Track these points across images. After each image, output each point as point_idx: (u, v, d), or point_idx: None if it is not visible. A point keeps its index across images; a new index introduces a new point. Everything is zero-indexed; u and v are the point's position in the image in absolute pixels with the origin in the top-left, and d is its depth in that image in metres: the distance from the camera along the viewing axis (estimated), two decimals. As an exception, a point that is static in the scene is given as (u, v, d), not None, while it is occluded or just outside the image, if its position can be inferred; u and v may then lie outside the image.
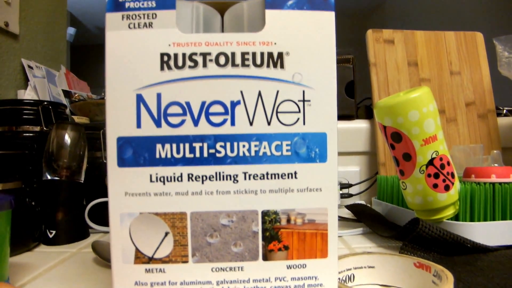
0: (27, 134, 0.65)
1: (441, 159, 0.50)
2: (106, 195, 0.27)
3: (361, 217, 0.65)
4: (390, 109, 0.49)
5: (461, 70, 0.93)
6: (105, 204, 0.27)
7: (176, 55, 0.26)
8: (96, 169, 0.64)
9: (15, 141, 0.64)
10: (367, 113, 0.97)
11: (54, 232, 0.54)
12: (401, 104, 0.49)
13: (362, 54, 0.96)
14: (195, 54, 0.26)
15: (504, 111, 1.01)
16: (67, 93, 0.97)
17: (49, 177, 0.56)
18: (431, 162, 0.49)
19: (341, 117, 0.91)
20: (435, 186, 0.49)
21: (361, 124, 0.91)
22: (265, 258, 0.27)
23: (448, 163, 0.50)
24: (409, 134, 0.49)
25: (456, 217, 0.51)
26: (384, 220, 0.63)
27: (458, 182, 0.51)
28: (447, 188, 0.49)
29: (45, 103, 0.67)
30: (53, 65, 1.03)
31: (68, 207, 0.56)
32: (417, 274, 0.36)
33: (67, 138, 0.59)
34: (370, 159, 0.92)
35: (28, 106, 0.67)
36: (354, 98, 0.91)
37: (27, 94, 0.86)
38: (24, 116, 0.66)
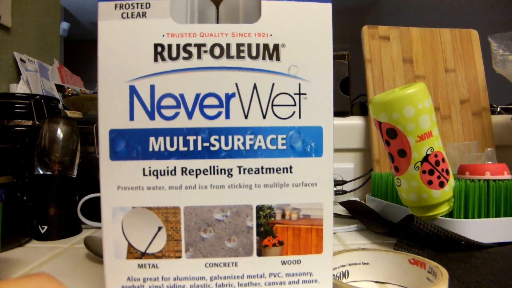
0: (19, 128, 0.64)
1: (436, 155, 0.49)
2: (99, 190, 0.26)
3: (356, 213, 0.65)
4: (386, 105, 0.49)
5: (456, 67, 0.93)
6: (98, 199, 0.26)
7: (170, 46, 0.26)
8: (89, 164, 0.63)
9: (6, 135, 0.64)
10: (362, 110, 0.97)
11: (46, 227, 0.53)
12: (397, 100, 0.49)
13: (357, 50, 0.95)
14: (190, 45, 0.26)
15: (498, 109, 1.01)
16: (60, 88, 0.96)
17: (41, 172, 0.55)
18: (426, 159, 0.49)
19: (336, 113, 0.90)
20: (430, 182, 0.49)
21: (356, 121, 0.91)
22: (260, 253, 0.26)
23: (443, 160, 0.50)
24: (404, 130, 0.49)
25: (450, 214, 0.51)
26: (378, 217, 0.63)
27: (453, 179, 0.51)
28: (441, 184, 0.49)
29: (38, 97, 0.66)
30: (46, 59, 1.02)
31: (60, 202, 0.55)
32: (412, 270, 0.36)
33: (60, 133, 0.58)
34: (364, 156, 0.92)
35: (20, 100, 0.66)
36: (349, 94, 0.91)
37: (19, 88, 0.85)
38: (16, 110, 0.65)
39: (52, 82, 0.95)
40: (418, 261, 0.35)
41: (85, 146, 0.64)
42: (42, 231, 0.53)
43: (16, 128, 0.64)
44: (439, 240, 0.45)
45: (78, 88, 1.01)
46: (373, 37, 0.92)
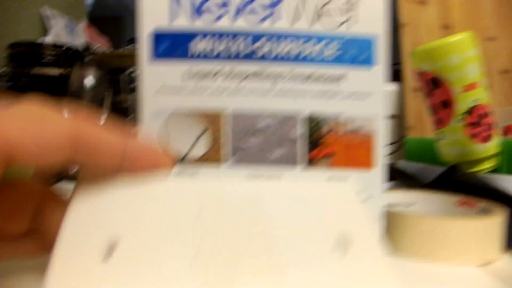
0: (48, 76, 0.63)
1: (481, 108, 0.47)
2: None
3: (391, 173, 0.62)
4: (430, 53, 0.47)
5: (497, 35, 0.88)
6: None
7: None
8: (117, 112, 0.62)
9: (35, 84, 0.63)
10: (395, 77, 0.94)
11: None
12: (442, 48, 0.46)
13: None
14: None
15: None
16: (87, 48, 0.95)
17: (69, 117, 0.55)
18: (470, 111, 0.46)
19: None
20: (474, 136, 0.46)
21: (388, 86, 0.88)
22: (306, 166, 0.24)
23: (489, 113, 0.47)
24: (448, 79, 0.46)
25: (495, 171, 0.48)
26: (415, 178, 0.60)
27: (499, 134, 0.48)
28: (486, 139, 0.46)
29: (66, 46, 0.66)
30: (74, 17, 1.01)
31: (89, 147, 0.54)
32: (460, 212, 0.33)
33: (89, 79, 0.57)
34: (395, 123, 0.89)
35: (49, 49, 0.65)
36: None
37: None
38: (45, 59, 0.65)
39: (80, 39, 0.94)
40: (467, 201, 0.33)
41: (114, 95, 0.63)
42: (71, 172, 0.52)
43: (45, 77, 0.64)
44: (486, 195, 0.43)
45: (105, 48, 1.01)
46: (409, 0, 0.88)
